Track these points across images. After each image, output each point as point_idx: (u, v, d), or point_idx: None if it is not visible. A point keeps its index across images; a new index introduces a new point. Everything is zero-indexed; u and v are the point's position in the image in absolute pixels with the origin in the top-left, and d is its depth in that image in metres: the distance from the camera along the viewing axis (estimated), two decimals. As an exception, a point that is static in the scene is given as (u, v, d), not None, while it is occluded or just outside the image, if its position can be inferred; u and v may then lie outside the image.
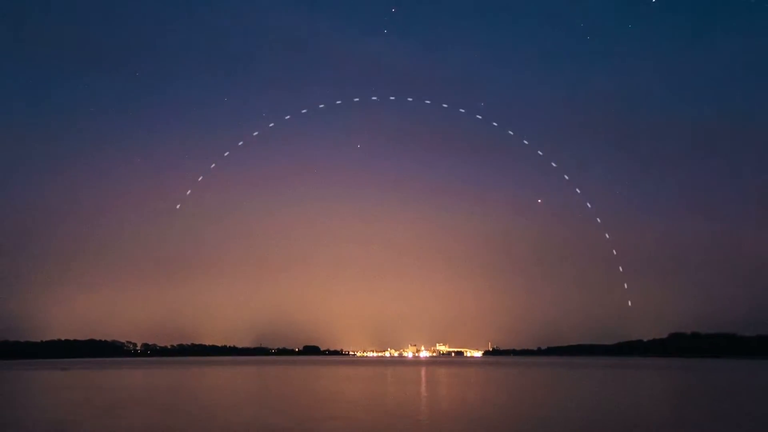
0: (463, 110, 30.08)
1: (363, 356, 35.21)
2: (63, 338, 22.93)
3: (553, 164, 30.57)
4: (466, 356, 34.43)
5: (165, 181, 36.13)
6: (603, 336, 27.36)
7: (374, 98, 30.84)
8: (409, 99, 32.12)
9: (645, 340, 23.66)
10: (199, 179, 30.85)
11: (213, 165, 31.15)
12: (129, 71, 36.47)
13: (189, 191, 30.65)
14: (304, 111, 31.17)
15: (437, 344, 35.10)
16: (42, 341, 21.45)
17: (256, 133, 30.09)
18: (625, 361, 24.19)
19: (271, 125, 29.81)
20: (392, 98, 31.16)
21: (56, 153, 32.30)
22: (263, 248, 31.30)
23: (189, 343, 30.85)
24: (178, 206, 27.93)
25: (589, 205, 28.35)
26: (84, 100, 37.08)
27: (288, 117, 30.89)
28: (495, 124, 29.53)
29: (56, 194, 29.94)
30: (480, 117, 28.72)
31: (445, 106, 31.73)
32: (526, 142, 28.61)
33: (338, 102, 32.60)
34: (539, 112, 41.71)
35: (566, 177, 29.86)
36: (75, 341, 23.43)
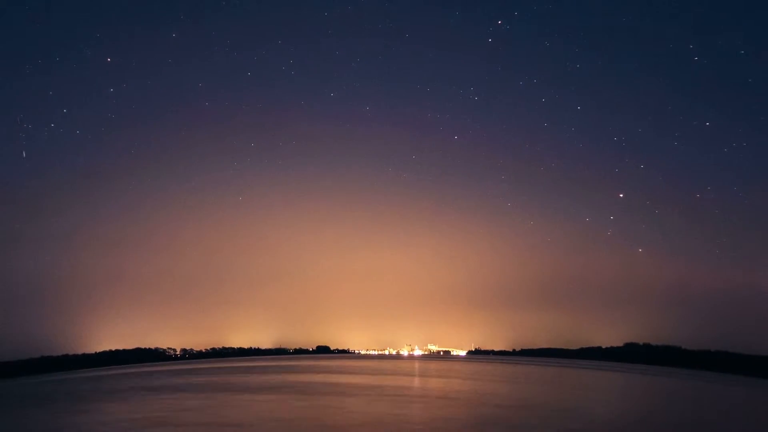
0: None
1: (366, 354, 34.82)
2: (113, 348, 22.54)
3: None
4: (453, 354, 34.18)
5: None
6: (567, 342, 27.24)
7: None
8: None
9: (603, 347, 23.50)
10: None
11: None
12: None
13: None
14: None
15: (428, 344, 34.75)
16: (96, 352, 21.06)
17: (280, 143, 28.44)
18: (586, 363, 23.94)
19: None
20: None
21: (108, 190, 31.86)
22: (278, 260, 31.02)
23: (220, 347, 30.38)
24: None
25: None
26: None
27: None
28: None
29: (102, 230, 29.59)
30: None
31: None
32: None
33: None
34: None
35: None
36: (124, 350, 23.04)
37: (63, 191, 25.35)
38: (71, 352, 19.70)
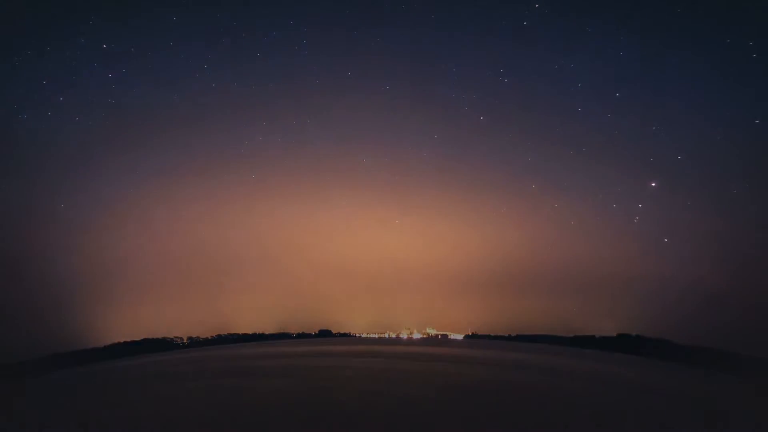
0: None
1: (367, 337, 35.38)
2: (122, 341, 22.65)
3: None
4: (450, 338, 34.81)
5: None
6: (560, 329, 27.59)
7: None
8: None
9: (596, 336, 23.84)
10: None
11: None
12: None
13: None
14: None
15: (427, 328, 35.24)
16: (104, 346, 21.16)
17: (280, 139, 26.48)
18: (579, 351, 24.38)
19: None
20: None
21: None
22: (282, 245, 30.84)
23: (225, 333, 30.66)
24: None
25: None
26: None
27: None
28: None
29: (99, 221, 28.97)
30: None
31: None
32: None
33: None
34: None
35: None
36: (132, 342, 23.17)
37: (61, 180, 24.64)
38: (80, 348, 19.79)
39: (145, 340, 24.20)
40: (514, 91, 28.91)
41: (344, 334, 37.98)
